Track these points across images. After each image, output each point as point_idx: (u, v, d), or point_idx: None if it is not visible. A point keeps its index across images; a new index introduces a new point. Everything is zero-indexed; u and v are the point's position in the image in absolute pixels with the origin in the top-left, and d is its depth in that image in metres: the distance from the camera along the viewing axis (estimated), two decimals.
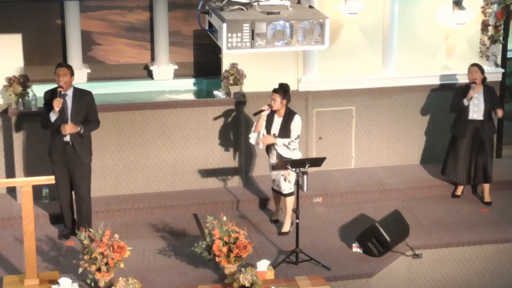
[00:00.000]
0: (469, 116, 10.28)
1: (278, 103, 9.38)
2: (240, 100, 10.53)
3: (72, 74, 9.14)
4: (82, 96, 9.21)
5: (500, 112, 10.22)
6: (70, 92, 9.15)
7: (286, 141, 9.40)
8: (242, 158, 10.70)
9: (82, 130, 9.14)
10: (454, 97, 10.43)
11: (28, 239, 7.84)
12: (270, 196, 10.23)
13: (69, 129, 9.07)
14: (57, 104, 8.93)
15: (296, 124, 9.40)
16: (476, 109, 10.25)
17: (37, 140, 9.99)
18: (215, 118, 10.51)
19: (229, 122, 10.58)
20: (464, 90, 10.28)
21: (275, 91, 9.45)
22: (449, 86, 11.27)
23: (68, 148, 9.19)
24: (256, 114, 9.48)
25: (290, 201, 9.50)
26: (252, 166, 10.98)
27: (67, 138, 9.16)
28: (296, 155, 9.42)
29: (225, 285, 8.12)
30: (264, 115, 9.43)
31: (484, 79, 10.30)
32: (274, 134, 9.46)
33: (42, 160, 9.91)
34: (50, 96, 9.07)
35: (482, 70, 10.27)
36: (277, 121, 9.48)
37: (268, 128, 9.50)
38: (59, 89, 8.99)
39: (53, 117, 9.03)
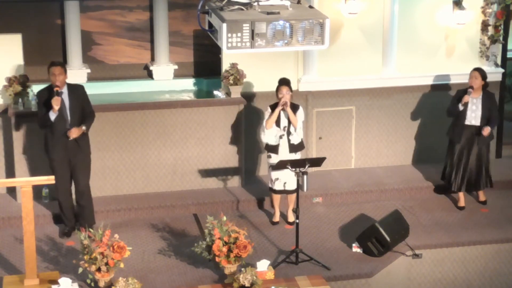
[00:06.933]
0: (466, 122, 10.13)
1: (289, 95, 9.55)
2: (240, 100, 10.53)
3: (65, 71, 9.25)
4: (76, 91, 9.33)
5: (486, 131, 9.90)
6: (64, 89, 9.23)
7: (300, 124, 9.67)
8: (242, 158, 10.70)
9: (86, 129, 9.28)
10: (452, 101, 10.31)
11: (28, 239, 7.84)
12: (270, 196, 10.21)
13: (76, 133, 9.18)
14: (56, 102, 9.00)
15: (301, 114, 9.68)
16: (473, 115, 10.11)
17: (37, 140, 9.98)
18: (215, 118, 10.52)
19: (229, 122, 10.57)
20: (462, 94, 10.13)
21: (285, 84, 9.60)
22: (449, 86, 11.28)
23: (69, 143, 9.25)
24: (282, 108, 9.54)
25: (295, 196, 9.64)
26: (252, 166, 10.98)
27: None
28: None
29: (225, 285, 8.11)
30: (277, 111, 9.51)
31: (485, 85, 10.16)
32: (284, 127, 9.58)
33: (42, 160, 9.90)
34: (48, 95, 9.13)
35: (483, 76, 10.08)
36: (284, 115, 9.60)
37: (277, 123, 9.57)
38: (56, 88, 9.06)
39: (52, 116, 9.08)
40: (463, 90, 10.17)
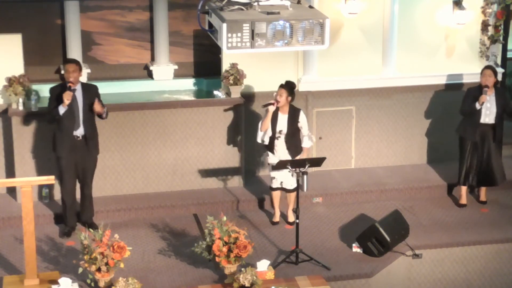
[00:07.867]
0: (481, 120, 10.11)
1: (283, 98, 9.49)
2: (240, 100, 10.54)
3: (80, 69, 9.31)
4: (90, 90, 9.39)
5: None
6: (78, 87, 9.26)
7: (308, 137, 9.67)
8: (242, 158, 10.70)
9: (105, 114, 9.34)
10: (464, 100, 10.24)
11: (28, 239, 7.84)
12: (270, 196, 10.21)
13: (99, 106, 9.19)
14: (67, 97, 9.04)
15: (304, 118, 9.65)
16: (488, 113, 10.10)
17: (37, 140, 9.99)
18: (215, 118, 10.52)
19: (229, 122, 10.57)
20: (474, 93, 10.10)
21: (282, 86, 9.54)
22: (449, 86, 11.28)
23: (78, 143, 9.27)
24: (265, 106, 9.52)
25: (294, 196, 9.61)
26: (252, 166, 10.97)
27: (78, 133, 9.27)
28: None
29: (225, 285, 8.12)
30: (271, 111, 9.46)
31: (496, 82, 10.18)
32: (280, 131, 9.53)
33: (43, 160, 9.91)
34: (60, 90, 9.18)
35: (495, 73, 10.12)
36: (282, 118, 9.56)
37: (273, 125, 9.54)
38: (69, 84, 9.11)
39: (62, 110, 9.12)
40: (475, 88, 10.16)
